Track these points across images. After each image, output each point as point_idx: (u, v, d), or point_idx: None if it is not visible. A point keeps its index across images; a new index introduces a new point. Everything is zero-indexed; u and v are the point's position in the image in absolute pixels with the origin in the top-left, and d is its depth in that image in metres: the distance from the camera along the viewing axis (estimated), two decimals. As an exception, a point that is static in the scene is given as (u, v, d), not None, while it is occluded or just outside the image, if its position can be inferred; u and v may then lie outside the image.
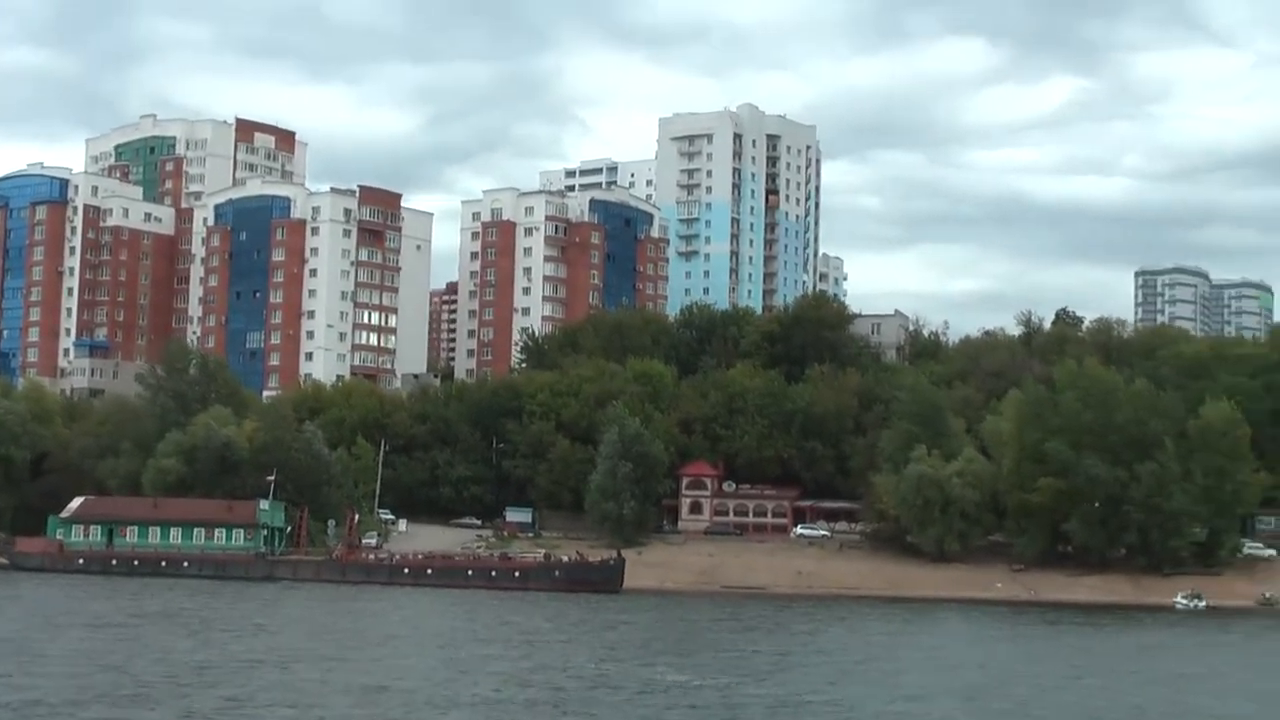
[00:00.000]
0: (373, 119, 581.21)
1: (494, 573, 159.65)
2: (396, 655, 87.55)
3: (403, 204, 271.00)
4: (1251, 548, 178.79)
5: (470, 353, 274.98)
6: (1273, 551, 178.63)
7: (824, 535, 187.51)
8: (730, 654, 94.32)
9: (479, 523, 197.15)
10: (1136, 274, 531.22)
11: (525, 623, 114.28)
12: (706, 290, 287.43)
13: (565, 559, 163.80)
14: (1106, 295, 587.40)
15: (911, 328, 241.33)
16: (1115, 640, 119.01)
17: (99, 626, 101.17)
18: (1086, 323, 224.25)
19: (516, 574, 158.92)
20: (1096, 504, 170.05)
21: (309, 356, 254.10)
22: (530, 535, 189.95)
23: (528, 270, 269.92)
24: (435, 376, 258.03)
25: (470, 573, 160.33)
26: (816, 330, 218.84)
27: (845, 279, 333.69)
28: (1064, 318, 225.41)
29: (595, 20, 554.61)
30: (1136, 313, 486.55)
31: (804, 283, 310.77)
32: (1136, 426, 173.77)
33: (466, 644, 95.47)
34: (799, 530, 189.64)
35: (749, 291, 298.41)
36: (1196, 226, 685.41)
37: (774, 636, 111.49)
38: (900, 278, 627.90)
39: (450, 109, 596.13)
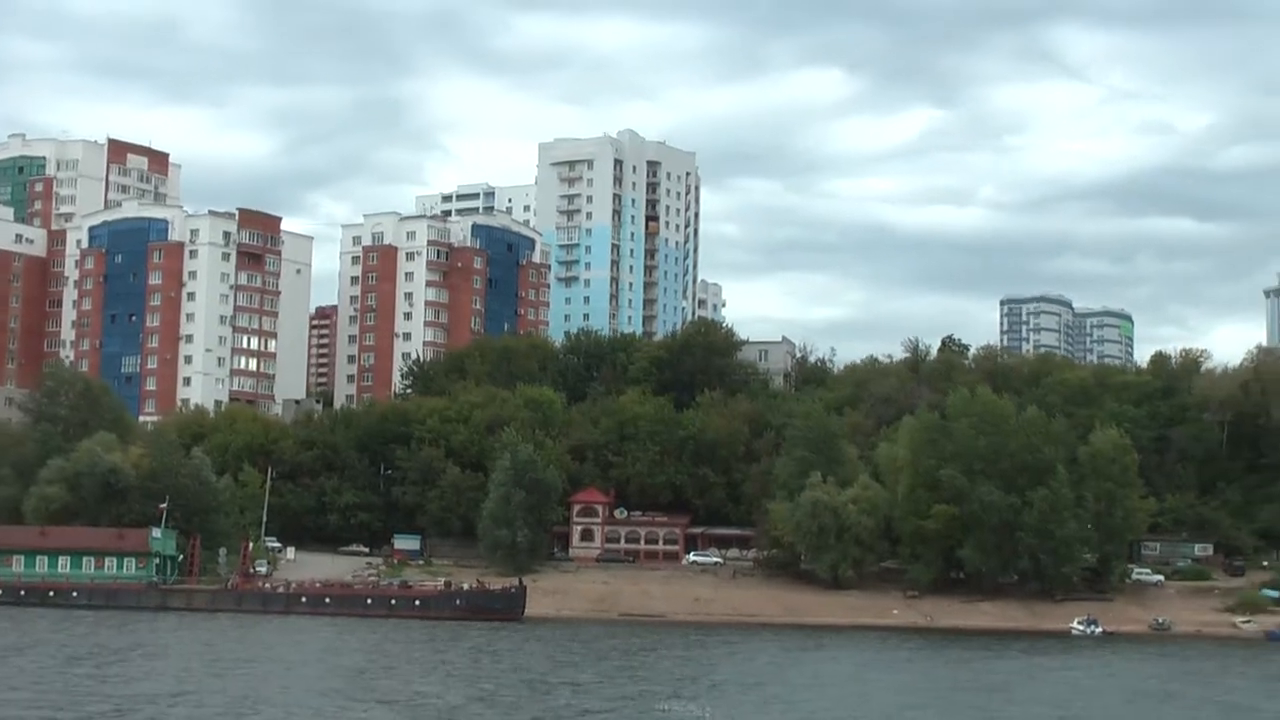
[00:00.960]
0: (233, 141, 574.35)
1: (394, 601, 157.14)
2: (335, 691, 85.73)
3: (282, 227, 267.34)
4: (1139, 573, 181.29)
5: (350, 378, 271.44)
6: (1160, 577, 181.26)
7: (717, 562, 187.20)
8: (675, 681, 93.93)
9: (367, 550, 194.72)
10: (1002, 302, 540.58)
11: (442, 652, 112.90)
12: (587, 317, 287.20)
13: (466, 587, 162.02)
14: (964, 322, 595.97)
15: (798, 354, 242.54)
16: (1031, 665, 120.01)
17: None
18: (972, 350, 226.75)
19: (417, 602, 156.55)
20: (990, 530, 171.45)
21: (187, 381, 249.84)
22: (420, 563, 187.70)
23: (409, 295, 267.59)
24: (317, 402, 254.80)
25: (370, 601, 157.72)
26: (706, 357, 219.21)
27: (724, 305, 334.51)
28: (949, 345, 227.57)
29: (457, 46, 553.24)
30: (1002, 340, 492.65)
31: (683, 309, 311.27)
32: (1029, 453, 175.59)
33: (399, 677, 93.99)
34: (692, 557, 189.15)
35: (629, 318, 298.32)
36: (1050, 256, 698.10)
37: (711, 664, 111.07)
38: (761, 305, 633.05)
39: (310, 133, 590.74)
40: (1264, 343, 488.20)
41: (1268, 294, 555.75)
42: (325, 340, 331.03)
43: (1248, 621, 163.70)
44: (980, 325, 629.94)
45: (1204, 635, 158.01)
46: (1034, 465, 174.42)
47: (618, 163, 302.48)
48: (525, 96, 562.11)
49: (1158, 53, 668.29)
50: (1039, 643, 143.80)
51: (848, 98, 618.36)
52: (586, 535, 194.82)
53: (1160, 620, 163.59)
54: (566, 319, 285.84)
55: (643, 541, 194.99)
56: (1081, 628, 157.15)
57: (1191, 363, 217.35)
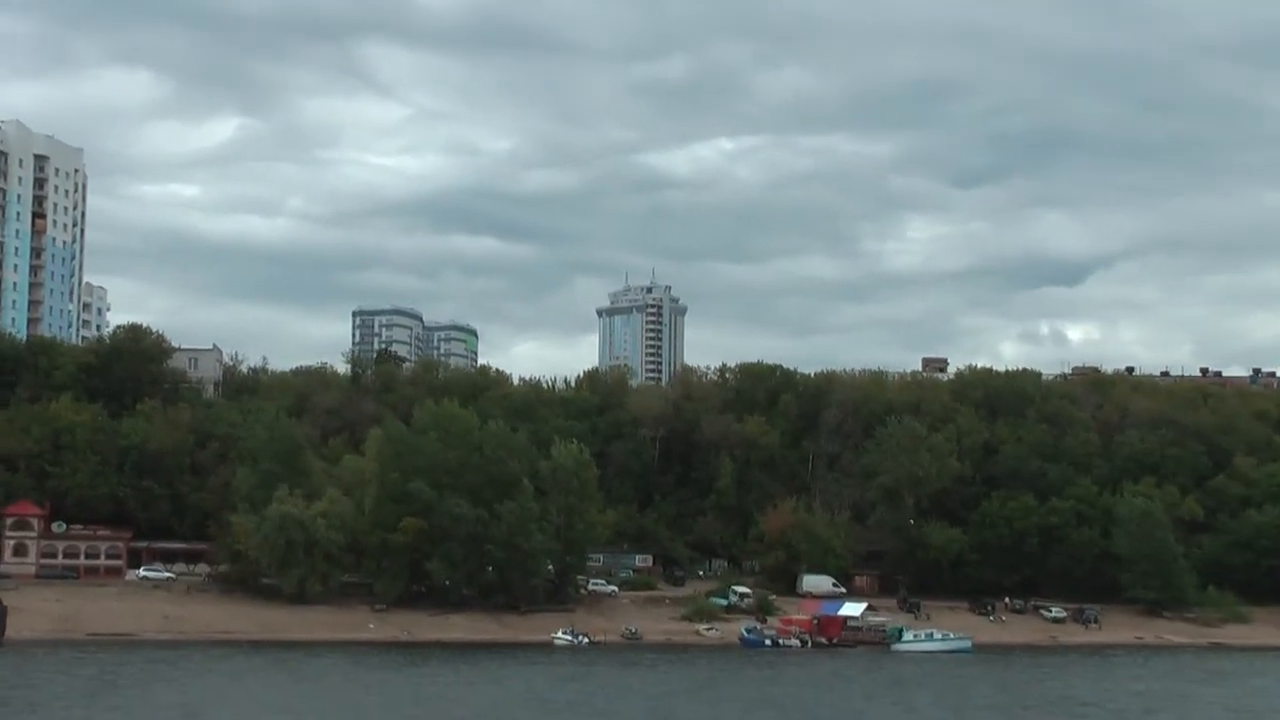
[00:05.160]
0: None
1: None
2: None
3: None
4: (595, 584, 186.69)
5: None
6: (615, 588, 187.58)
7: (169, 578, 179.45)
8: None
9: None
10: (354, 314, 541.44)
11: None
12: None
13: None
14: (271, 333, 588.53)
15: (229, 362, 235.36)
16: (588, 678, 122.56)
17: None
18: (408, 364, 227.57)
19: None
20: (459, 543, 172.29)
21: None
22: None
23: None
24: None
25: None
26: (137, 363, 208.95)
27: (109, 309, 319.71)
28: (388, 357, 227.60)
29: None
30: (354, 352, 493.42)
31: (69, 312, 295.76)
32: (495, 466, 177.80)
33: None
34: (142, 572, 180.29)
35: (13, 320, 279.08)
36: (360, 269, 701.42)
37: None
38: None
39: None
40: (596, 358, 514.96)
41: (600, 313, 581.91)
42: None
43: (710, 629, 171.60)
44: (294, 336, 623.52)
45: (674, 643, 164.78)
46: (500, 478, 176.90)
47: (2, 155, 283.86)
48: None
49: (464, 76, 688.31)
50: (547, 654, 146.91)
51: (155, 100, 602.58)
52: (20, 550, 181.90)
53: (633, 629, 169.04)
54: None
55: (83, 556, 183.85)
56: (568, 638, 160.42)
57: (620, 379, 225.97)
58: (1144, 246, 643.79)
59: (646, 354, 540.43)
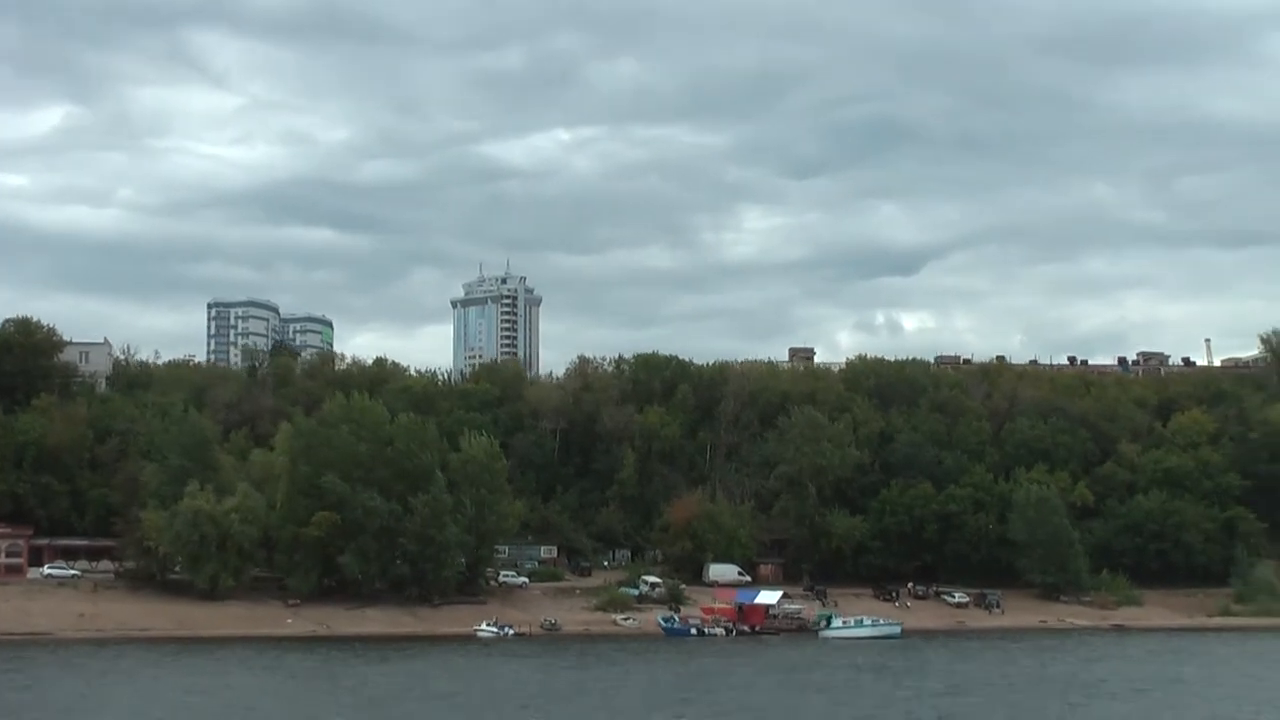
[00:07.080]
0: None
1: None
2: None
3: None
4: (506, 575, 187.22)
5: None
6: (525, 579, 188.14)
7: (75, 575, 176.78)
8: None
9: None
10: (210, 305, 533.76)
11: None
12: None
13: None
14: (103, 325, 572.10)
15: (121, 356, 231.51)
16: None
17: None
18: (304, 356, 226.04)
19: None
20: (372, 536, 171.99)
21: None
22: None
23: None
24: None
25: None
26: (28, 358, 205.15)
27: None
28: (283, 350, 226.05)
29: None
30: (210, 344, 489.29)
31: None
32: (407, 459, 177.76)
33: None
34: (47, 570, 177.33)
35: None
36: (193, 260, 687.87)
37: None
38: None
39: None
40: (450, 350, 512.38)
41: (455, 304, 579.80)
42: None
43: (628, 619, 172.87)
44: (129, 328, 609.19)
45: (594, 633, 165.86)
46: (411, 471, 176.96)
47: None
48: None
49: (298, 65, 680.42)
50: (468, 647, 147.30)
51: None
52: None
53: (552, 621, 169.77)
54: None
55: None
56: (493, 630, 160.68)
57: (518, 371, 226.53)
58: (976, 238, 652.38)
59: (502, 345, 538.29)
